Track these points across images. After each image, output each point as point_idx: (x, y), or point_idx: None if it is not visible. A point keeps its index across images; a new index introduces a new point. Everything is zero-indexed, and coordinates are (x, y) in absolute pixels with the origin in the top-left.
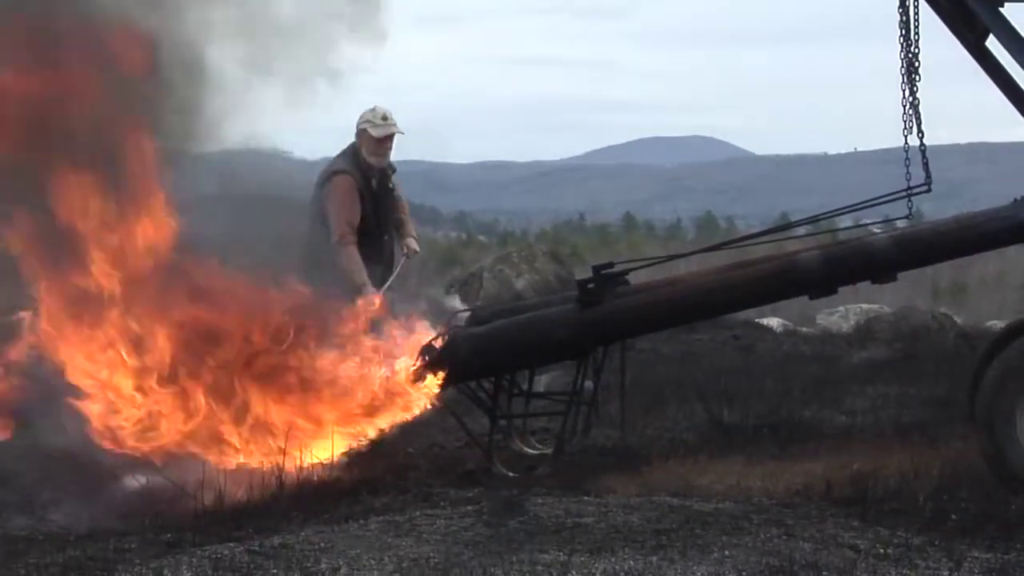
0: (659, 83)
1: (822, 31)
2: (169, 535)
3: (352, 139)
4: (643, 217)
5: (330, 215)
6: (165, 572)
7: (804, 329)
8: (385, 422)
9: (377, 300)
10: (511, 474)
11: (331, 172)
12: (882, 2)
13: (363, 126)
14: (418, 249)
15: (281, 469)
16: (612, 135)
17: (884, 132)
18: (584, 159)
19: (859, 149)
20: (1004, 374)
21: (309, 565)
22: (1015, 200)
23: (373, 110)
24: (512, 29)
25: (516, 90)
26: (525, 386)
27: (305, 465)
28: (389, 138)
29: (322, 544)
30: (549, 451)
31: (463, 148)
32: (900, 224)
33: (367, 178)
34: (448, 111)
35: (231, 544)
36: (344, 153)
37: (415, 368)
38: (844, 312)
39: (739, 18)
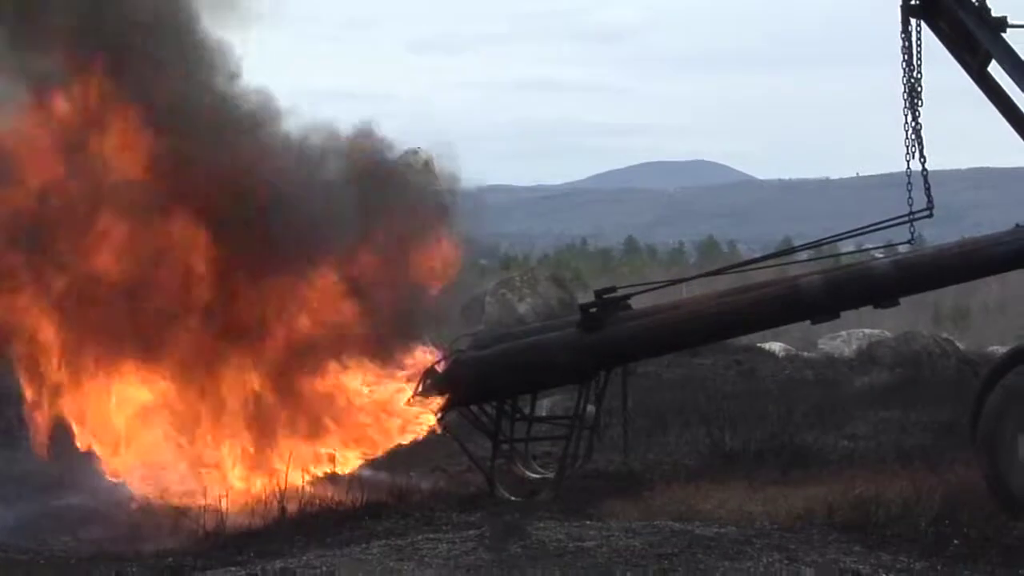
0: (661, 107)
1: (823, 55)
2: (171, 559)
3: None
4: (645, 241)
5: None
6: None
7: (806, 354)
8: (388, 445)
9: None
10: (513, 498)
11: None
12: (884, 27)
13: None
14: None
15: (283, 493)
16: (614, 159)
17: (886, 157)
18: (586, 183)
19: (861, 174)
20: (1006, 399)
21: None
22: (1017, 225)
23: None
24: (514, 53)
25: (518, 114)
26: (527, 410)
27: (306, 489)
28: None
29: (324, 568)
30: (551, 475)
31: (465, 172)
32: (902, 249)
33: None
34: (449, 135)
35: (233, 568)
36: None
37: (417, 392)
38: (846, 337)
39: (741, 42)
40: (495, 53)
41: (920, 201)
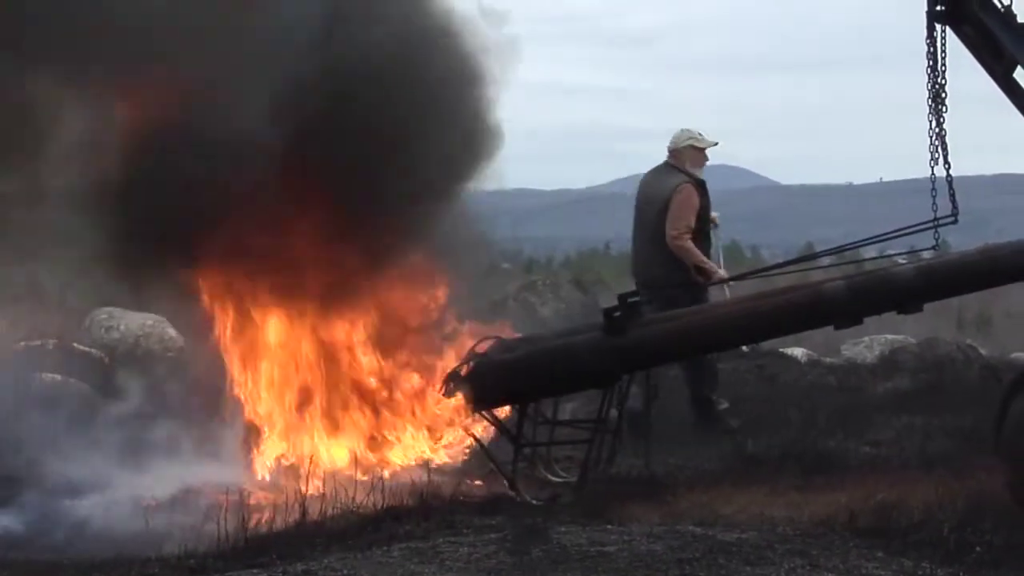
0: (685, 111)
1: (848, 60)
2: (192, 561)
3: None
4: None
5: (672, 215)
6: None
7: (828, 359)
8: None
9: (721, 271)
10: (535, 502)
11: (680, 183)
12: (909, 32)
13: (687, 143)
14: (718, 221)
15: (304, 495)
16: (638, 163)
17: (910, 162)
18: (610, 187)
19: (884, 179)
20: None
21: None
22: None
23: (687, 130)
24: (539, 57)
25: (543, 118)
26: (549, 414)
27: (329, 491)
28: (699, 153)
29: (345, 571)
30: (573, 479)
31: (488, 175)
32: (926, 255)
33: (701, 187)
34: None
35: (254, 571)
36: (665, 169)
37: (442, 394)
38: (869, 342)
39: (765, 46)
40: (519, 56)
41: (945, 207)
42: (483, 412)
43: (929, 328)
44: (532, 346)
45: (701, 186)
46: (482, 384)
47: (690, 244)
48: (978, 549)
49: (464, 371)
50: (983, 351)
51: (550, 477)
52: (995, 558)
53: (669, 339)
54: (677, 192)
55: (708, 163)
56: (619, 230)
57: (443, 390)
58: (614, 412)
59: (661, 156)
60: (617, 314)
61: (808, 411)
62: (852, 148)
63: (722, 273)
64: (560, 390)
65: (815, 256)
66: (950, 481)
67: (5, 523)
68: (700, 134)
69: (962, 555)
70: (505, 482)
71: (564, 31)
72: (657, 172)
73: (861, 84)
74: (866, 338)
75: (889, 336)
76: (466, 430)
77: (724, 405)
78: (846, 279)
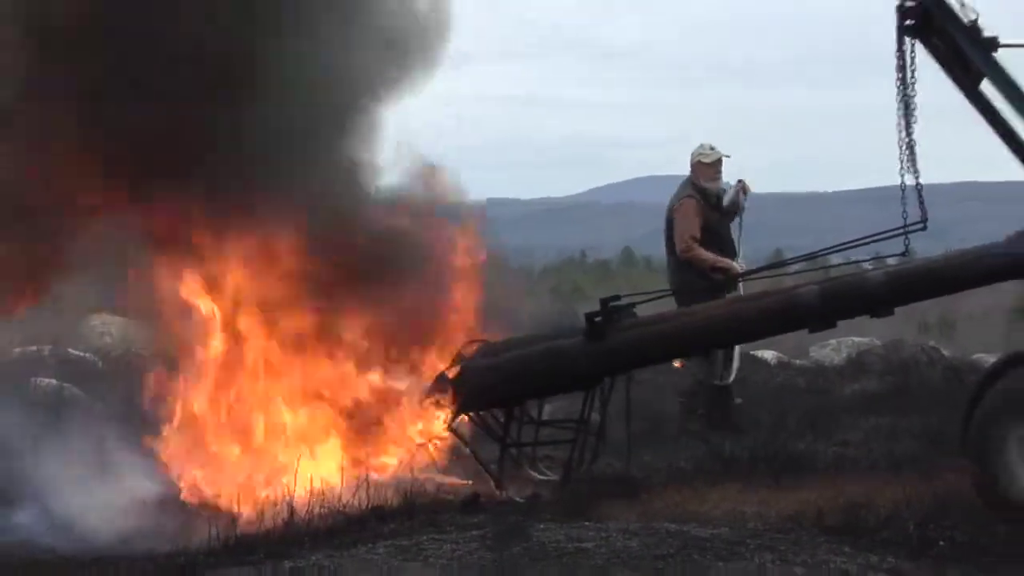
0: (660, 122)
1: (816, 74)
2: (183, 559)
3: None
4: (643, 253)
5: (676, 230)
6: None
7: (798, 362)
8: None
9: (736, 265)
10: (520, 499)
11: (680, 198)
12: (880, 46)
13: (696, 159)
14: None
15: (292, 495)
16: (615, 172)
17: (880, 171)
18: (588, 195)
19: (855, 187)
20: (998, 405)
21: None
22: (1007, 237)
23: (701, 146)
24: (519, 70)
25: (522, 128)
26: (533, 414)
27: (315, 491)
28: (718, 163)
29: (332, 568)
30: (556, 478)
31: (470, 184)
32: (891, 261)
33: (707, 199)
34: (454, 148)
35: (244, 568)
36: (684, 183)
37: (430, 396)
38: (836, 345)
39: (739, 60)
40: (501, 69)
41: (914, 215)
42: (470, 414)
43: (894, 331)
44: (516, 349)
45: (707, 196)
46: (470, 387)
47: (697, 252)
48: (941, 543)
49: (452, 374)
50: (946, 353)
51: (535, 476)
52: (958, 554)
53: (647, 343)
54: (676, 211)
55: (676, 172)
56: (597, 237)
57: (432, 392)
58: (596, 414)
59: (638, 165)
60: (598, 319)
61: (778, 413)
62: (823, 157)
63: (737, 267)
64: (544, 392)
65: (788, 263)
66: (916, 480)
67: (3, 523)
68: (711, 148)
69: (926, 550)
70: (492, 481)
71: (544, 45)
72: (678, 187)
73: (832, 96)
74: (833, 341)
75: (856, 339)
76: (453, 432)
77: (738, 400)
78: (819, 284)
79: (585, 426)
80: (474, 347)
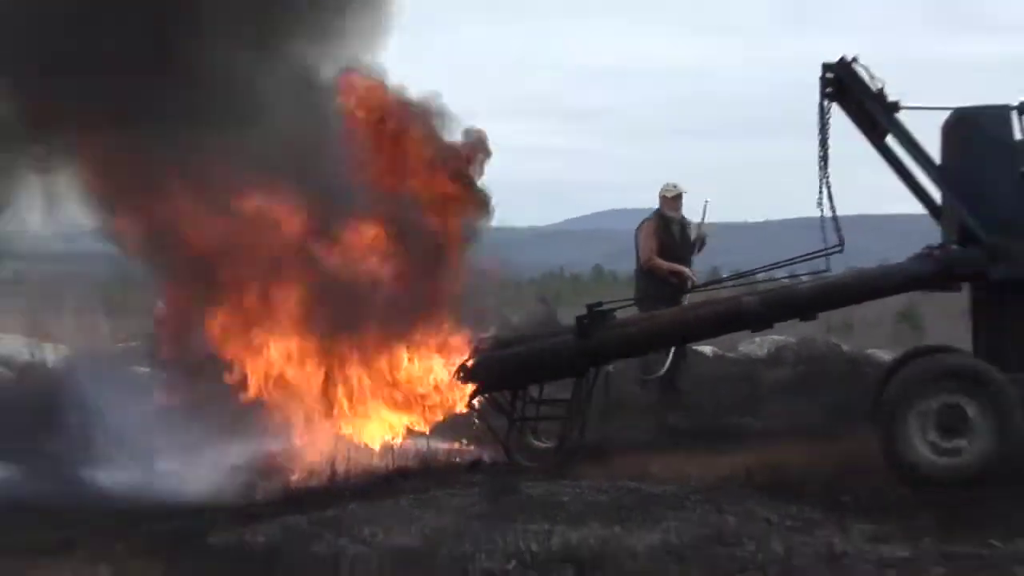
0: (621, 168)
1: (760, 128)
2: (252, 508)
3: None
4: (608, 269)
5: (639, 246)
6: (246, 537)
7: (730, 354)
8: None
9: (688, 271)
10: (526, 463)
11: (644, 221)
12: (804, 104)
13: (662, 193)
14: (703, 230)
15: (334, 458)
16: (586, 206)
17: (804, 203)
18: (566, 224)
19: (788, 217)
20: (900, 388)
21: (355, 532)
22: (909, 257)
23: (666, 184)
24: (516, 125)
25: (516, 171)
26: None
27: (354, 454)
28: (678, 197)
29: (365, 516)
30: (551, 445)
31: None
32: (804, 279)
33: (667, 224)
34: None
35: (297, 515)
36: (652, 212)
37: (453, 381)
38: (760, 341)
39: (688, 120)
40: (493, 126)
41: (831, 240)
42: (487, 395)
43: (805, 330)
44: (520, 345)
45: (668, 222)
46: (485, 374)
47: (656, 262)
48: (846, 498)
49: (471, 364)
50: (846, 348)
51: (536, 444)
52: (861, 507)
53: (626, 340)
54: (640, 231)
55: (636, 206)
56: (572, 257)
57: (456, 378)
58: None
59: (604, 201)
60: (586, 321)
61: (715, 395)
62: (753, 193)
63: (690, 273)
64: (543, 379)
65: (731, 279)
66: (824, 447)
67: (106, 480)
68: (674, 185)
69: (835, 503)
70: (502, 448)
71: (524, 108)
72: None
73: (762, 148)
74: (757, 338)
75: (775, 336)
76: (472, 409)
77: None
78: (759, 295)
79: (577, 405)
80: (487, 342)
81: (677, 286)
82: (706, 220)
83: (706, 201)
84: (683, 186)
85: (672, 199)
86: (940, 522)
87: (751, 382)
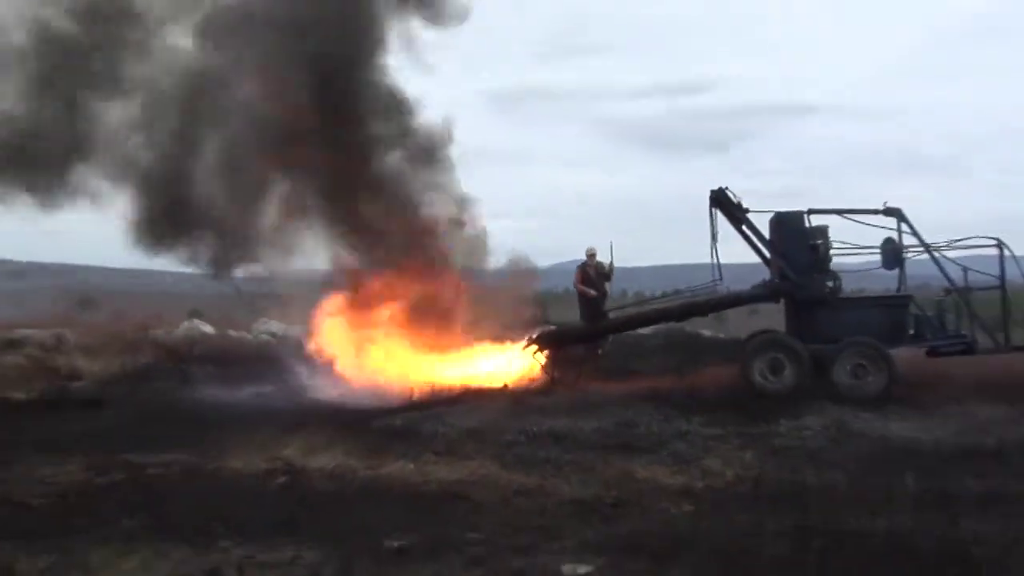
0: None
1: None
2: (394, 409)
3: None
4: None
5: (575, 280)
6: (390, 422)
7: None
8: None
9: (592, 292)
10: (560, 383)
11: (577, 267)
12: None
13: (585, 252)
14: (607, 268)
15: (412, 388)
16: (543, 261)
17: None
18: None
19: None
20: (752, 347)
21: (444, 420)
22: (753, 285)
23: (588, 248)
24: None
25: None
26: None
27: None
28: (593, 255)
29: (447, 414)
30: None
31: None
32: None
33: (589, 268)
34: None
35: (415, 412)
36: (582, 262)
37: (527, 345)
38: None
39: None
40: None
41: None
42: (542, 352)
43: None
44: (560, 328)
45: (588, 267)
46: (544, 342)
47: (579, 288)
48: (691, 404)
49: (536, 338)
50: (721, 335)
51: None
52: (699, 409)
53: (624, 322)
54: (576, 273)
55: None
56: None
57: (527, 344)
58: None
59: (549, 258)
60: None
61: (626, 354)
62: (661, 241)
63: (592, 293)
64: (574, 344)
65: (648, 300)
66: (706, 381)
67: (254, 391)
68: (591, 247)
69: (685, 408)
70: (549, 375)
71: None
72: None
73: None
74: (650, 328)
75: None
76: (535, 357)
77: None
78: (679, 304)
79: (589, 361)
80: (543, 329)
81: (593, 302)
82: (613, 257)
83: (611, 242)
84: (595, 247)
85: (590, 256)
86: (748, 416)
87: (642, 347)
